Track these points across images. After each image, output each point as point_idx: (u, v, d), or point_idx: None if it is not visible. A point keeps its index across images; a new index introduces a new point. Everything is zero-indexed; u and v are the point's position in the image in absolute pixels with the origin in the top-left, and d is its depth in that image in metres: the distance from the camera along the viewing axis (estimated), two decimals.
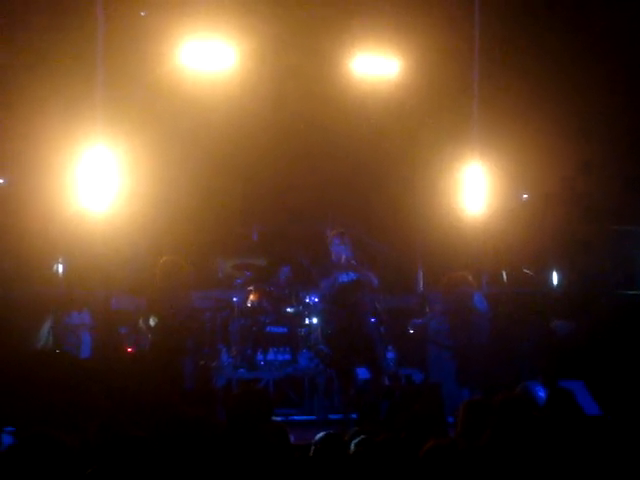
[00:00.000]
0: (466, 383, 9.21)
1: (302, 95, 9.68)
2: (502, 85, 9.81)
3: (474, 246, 10.21)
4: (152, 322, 8.98)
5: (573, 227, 10.60)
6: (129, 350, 9.66)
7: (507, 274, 10.93)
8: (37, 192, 9.39)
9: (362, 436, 4.97)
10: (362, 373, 9.22)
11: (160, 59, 9.08)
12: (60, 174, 8.80)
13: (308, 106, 9.81)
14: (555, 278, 11.25)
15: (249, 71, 9.25)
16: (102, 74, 8.53)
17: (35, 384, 7.89)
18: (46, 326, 9.50)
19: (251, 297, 10.06)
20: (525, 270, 11.00)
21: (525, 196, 11.24)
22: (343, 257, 9.14)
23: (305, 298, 10.05)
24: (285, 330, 9.91)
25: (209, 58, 9.03)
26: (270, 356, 9.76)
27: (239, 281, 10.53)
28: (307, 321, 9.97)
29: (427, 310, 10.29)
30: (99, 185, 8.53)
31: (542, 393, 6.64)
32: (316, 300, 9.91)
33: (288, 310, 10.07)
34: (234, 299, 10.06)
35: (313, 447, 4.99)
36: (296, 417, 9.24)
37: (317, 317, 9.84)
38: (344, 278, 9.18)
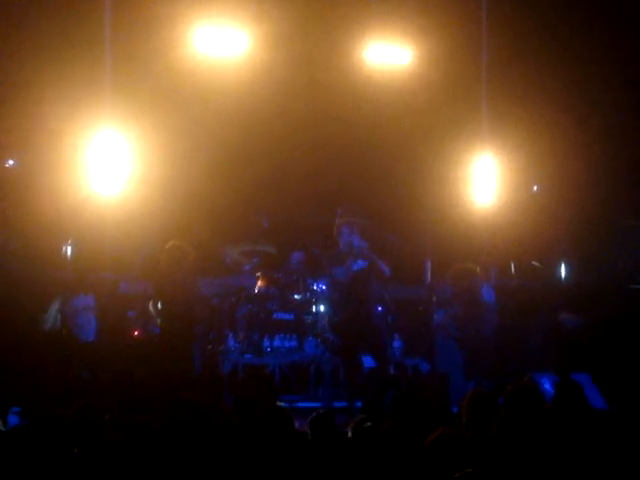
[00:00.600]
0: (473, 376, 9.21)
1: (314, 83, 9.64)
2: (514, 75, 9.74)
3: (483, 238, 10.19)
4: (160, 306, 9.01)
5: (585, 219, 10.53)
6: (135, 333, 9.69)
7: (515, 266, 10.91)
8: (47, 174, 9.40)
9: (368, 423, 4.98)
10: (368, 361, 9.23)
11: (172, 44, 9.05)
12: (71, 157, 8.80)
13: (320, 94, 9.77)
14: (563, 271, 11.21)
15: (261, 57, 9.21)
16: (110, 57, 8.50)
17: (42, 365, 7.91)
18: (54, 307, 9.52)
19: (259, 283, 10.08)
20: (534, 263, 10.97)
21: (535, 188, 11.18)
22: (354, 246, 9.14)
23: (312, 285, 10.07)
24: (292, 317, 9.95)
25: (221, 43, 8.99)
26: (277, 342, 9.79)
27: (247, 267, 10.55)
28: (314, 308, 9.99)
29: (434, 300, 10.29)
30: (110, 169, 8.54)
31: (548, 385, 6.64)
32: (323, 287, 9.92)
33: (295, 297, 10.09)
34: (242, 285, 10.08)
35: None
36: (301, 404, 9.25)
37: (324, 304, 9.85)
38: (357, 266, 9.18)
